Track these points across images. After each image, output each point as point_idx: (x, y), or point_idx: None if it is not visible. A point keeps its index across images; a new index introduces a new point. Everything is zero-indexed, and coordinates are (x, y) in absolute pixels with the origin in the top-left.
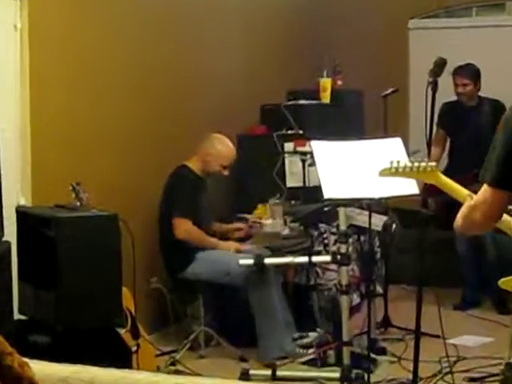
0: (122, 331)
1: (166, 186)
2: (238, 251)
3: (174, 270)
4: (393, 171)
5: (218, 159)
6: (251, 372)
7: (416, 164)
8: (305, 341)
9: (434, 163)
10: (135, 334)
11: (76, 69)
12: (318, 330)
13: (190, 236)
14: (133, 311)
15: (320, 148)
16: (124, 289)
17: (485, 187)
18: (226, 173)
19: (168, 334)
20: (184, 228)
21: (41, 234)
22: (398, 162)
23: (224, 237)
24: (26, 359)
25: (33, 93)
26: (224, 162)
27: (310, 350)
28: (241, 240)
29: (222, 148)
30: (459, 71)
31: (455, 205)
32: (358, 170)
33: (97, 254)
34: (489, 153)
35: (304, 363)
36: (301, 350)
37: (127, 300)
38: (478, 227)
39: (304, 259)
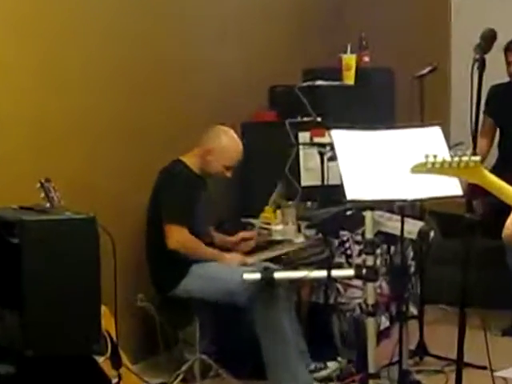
0: (100, 359)
1: (156, 184)
2: (244, 264)
3: (164, 286)
4: (428, 167)
5: (220, 159)
6: None
7: (456, 159)
8: (323, 373)
9: (477, 157)
10: (116, 363)
11: (44, 48)
12: (339, 359)
13: (186, 247)
14: (113, 335)
15: (342, 139)
16: (103, 308)
17: None
18: (228, 174)
19: (157, 363)
20: (178, 237)
21: (3, 241)
22: (435, 157)
23: (227, 249)
24: None
25: None
26: (228, 162)
27: None
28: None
29: (228, 144)
30: None
31: (506, 209)
32: (388, 165)
33: (71, 266)
34: None
35: None
36: None
37: (107, 321)
38: None
39: (322, 273)
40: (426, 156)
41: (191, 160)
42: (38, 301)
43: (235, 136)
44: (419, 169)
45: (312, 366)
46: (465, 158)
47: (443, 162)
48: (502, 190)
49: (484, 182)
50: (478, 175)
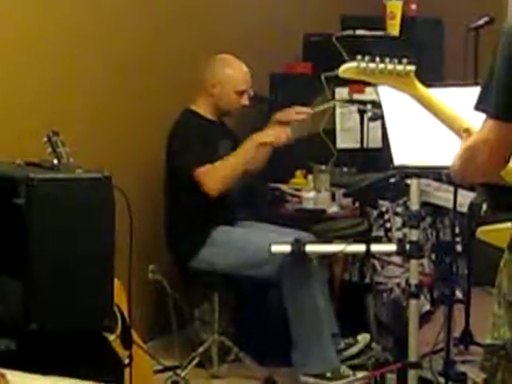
0: (111, 337)
1: (168, 141)
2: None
3: (182, 256)
4: (359, 71)
5: (229, 86)
6: None
7: (390, 66)
8: (353, 349)
9: (412, 67)
10: (127, 342)
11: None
12: (374, 344)
13: (223, 179)
14: (125, 311)
15: (390, 96)
16: (115, 280)
17: (487, 123)
18: (245, 101)
19: (169, 343)
20: (210, 177)
21: (5, 202)
22: (368, 61)
23: None
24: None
25: None
26: (238, 86)
27: (361, 374)
28: None
29: (232, 69)
30: None
31: None
32: (440, 128)
33: (83, 231)
34: (485, 80)
35: None
36: (349, 371)
37: (117, 295)
38: (481, 173)
39: (360, 248)
40: (359, 59)
41: (201, 105)
42: (43, 269)
43: (235, 59)
44: (349, 72)
45: (341, 345)
46: (399, 67)
47: (376, 68)
48: (432, 104)
49: (415, 94)
50: (409, 86)
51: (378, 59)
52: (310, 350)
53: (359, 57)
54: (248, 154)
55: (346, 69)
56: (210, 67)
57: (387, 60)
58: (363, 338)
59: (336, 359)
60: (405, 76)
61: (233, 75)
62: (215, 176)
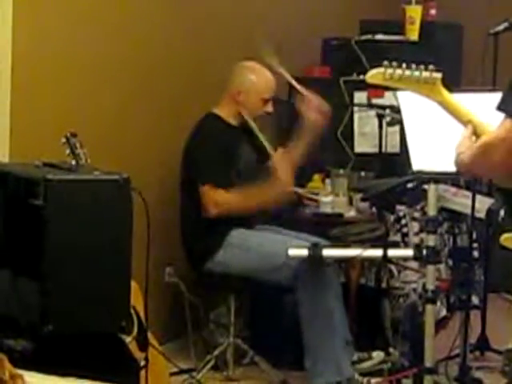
0: (127, 339)
1: (187, 143)
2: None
3: (198, 259)
4: (386, 77)
5: (254, 94)
6: None
7: (417, 73)
8: (366, 364)
9: (438, 74)
10: (143, 344)
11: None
12: (391, 350)
13: (228, 208)
14: (141, 313)
15: (409, 101)
16: (132, 282)
17: (506, 122)
18: (269, 109)
19: (186, 346)
20: (215, 200)
21: (23, 203)
22: (395, 68)
23: None
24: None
25: (16, 19)
26: (264, 94)
27: (374, 380)
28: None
29: (257, 77)
30: None
31: None
32: (459, 133)
33: (100, 233)
34: (510, 82)
35: None
36: (363, 379)
37: (134, 297)
38: (498, 171)
39: (377, 253)
40: (385, 65)
41: (224, 110)
42: (60, 270)
43: (261, 67)
44: (376, 78)
45: (355, 357)
46: (425, 74)
47: (403, 75)
48: (458, 111)
49: (441, 101)
50: (436, 93)
51: (404, 65)
52: (323, 358)
53: (386, 62)
54: (268, 201)
55: (374, 74)
56: (236, 74)
57: (414, 66)
58: (377, 356)
59: (349, 368)
60: (431, 83)
61: (258, 83)
62: (224, 205)
